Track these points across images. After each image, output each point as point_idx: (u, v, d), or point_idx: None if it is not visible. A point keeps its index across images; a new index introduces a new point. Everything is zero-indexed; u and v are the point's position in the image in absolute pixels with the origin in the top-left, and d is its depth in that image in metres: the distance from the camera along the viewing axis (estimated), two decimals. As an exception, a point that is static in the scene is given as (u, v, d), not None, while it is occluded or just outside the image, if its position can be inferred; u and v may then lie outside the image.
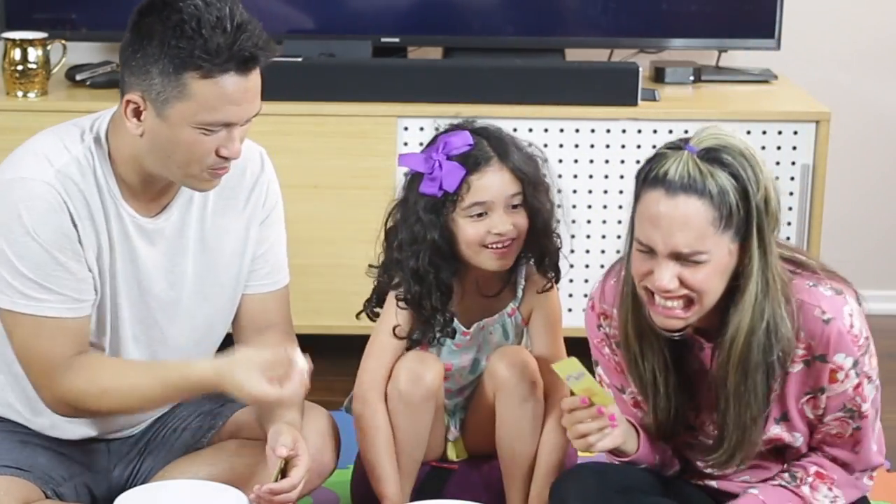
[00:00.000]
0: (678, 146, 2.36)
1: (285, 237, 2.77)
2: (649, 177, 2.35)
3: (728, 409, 2.44)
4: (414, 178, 2.80)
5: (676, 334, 2.43)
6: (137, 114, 2.46)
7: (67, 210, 2.48)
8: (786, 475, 2.55)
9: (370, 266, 2.90)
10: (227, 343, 2.75)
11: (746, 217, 2.33)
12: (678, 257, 2.33)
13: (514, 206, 2.76)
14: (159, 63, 2.41)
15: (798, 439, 2.52)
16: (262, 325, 2.75)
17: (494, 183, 2.75)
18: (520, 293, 2.87)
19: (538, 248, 2.83)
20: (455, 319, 2.84)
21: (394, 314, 2.83)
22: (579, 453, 2.98)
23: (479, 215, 2.75)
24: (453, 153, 2.75)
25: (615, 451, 2.53)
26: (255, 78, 2.44)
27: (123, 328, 2.61)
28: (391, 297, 2.85)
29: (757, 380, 2.40)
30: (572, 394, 2.46)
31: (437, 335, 2.82)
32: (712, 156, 2.33)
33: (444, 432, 2.93)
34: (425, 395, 2.79)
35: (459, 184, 2.74)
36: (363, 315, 2.92)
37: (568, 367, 2.40)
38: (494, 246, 2.75)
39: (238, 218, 2.66)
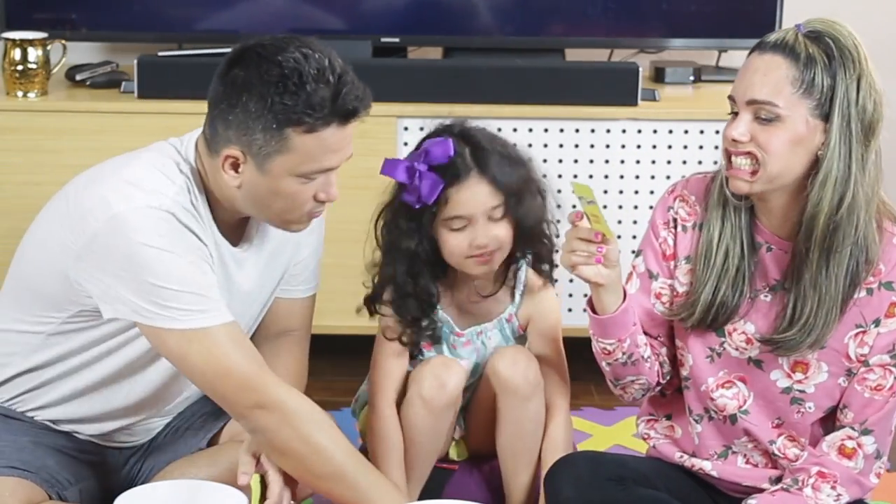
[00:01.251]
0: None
1: (323, 246, 2.79)
2: (754, 47, 2.49)
3: (805, 290, 2.47)
4: (400, 184, 2.77)
5: (741, 198, 2.50)
6: (235, 167, 2.45)
7: (192, 232, 2.46)
8: (788, 479, 2.55)
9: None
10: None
11: (831, 97, 2.41)
12: (754, 108, 2.42)
13: (497, 218, 2.74)
14: (261, 119, 2.39)
15: (822, 372, 2.52)
16: (282, 329, 2.77)
17: (473, 196, 2.71)
18: (517, 298, 2.86)
19: (528, 251, 2.83)
20: (444, 325, 2.83)
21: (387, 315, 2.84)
22: (577, 445, 2.99)
23: (461, 227, 2.73)
24: (434, 163, 2.71)
25: (594, 305, 2.55)
26: (352, 126, 2.45)
27: None
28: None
29: (840, 274, 2.45)
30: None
31: (422, 340, 2.81)
32: (814, 35, 2.43)
33: (453, 433, 2.93)
34: (448, 401, 2.78)
35: (438, 196, 2.71)
36: (362, 312, 2.89)
37: (584, 190, 2.44)
38: (476, 256, 2.74)
39: None
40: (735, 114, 2.46)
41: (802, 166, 2.44)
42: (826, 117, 2.42)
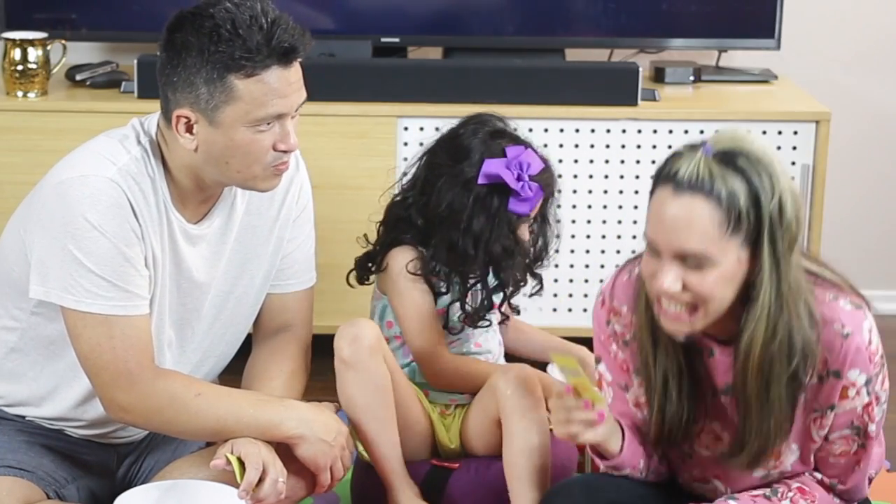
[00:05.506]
0: (696, 146, 2.31)
1: (314, 239, 2.79)
2: (662, 174, 2.32)
3: (749, 417, 2.40)
4: (494, 190, 2.87)
5: (683, 338, 2.38)
6: (189, 128, 2.47)
7: (130, 206, 2.49)
8: (768, 489, 2.51)
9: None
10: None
11: (757, 225, 2.26)
12: (683, 260, 2.28)
13: None
14: (202, 72, 2.43)
15: (793, 452, 2.48)
16: (279, 326, 2.77)
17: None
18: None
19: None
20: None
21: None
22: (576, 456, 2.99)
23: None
24: (532, 174, 2.89)
25: (599, 450, 2.50)
26: (296, 69, 2.48)
27: (162, 332, 2.61)
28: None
29: (781, 392, 2.36)
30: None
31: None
32: (727, 158, 2.26)
33: (429, 425, 2.94)
34: (368, 352, 2.79)
35: None
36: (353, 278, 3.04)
37: (567, 363, 2.39)
38: None
39: (274, 217, 2.68)
40: (654, 253, 2.31)
41: (735, 293, 2.32)
42: (754, 242, 2.28)
